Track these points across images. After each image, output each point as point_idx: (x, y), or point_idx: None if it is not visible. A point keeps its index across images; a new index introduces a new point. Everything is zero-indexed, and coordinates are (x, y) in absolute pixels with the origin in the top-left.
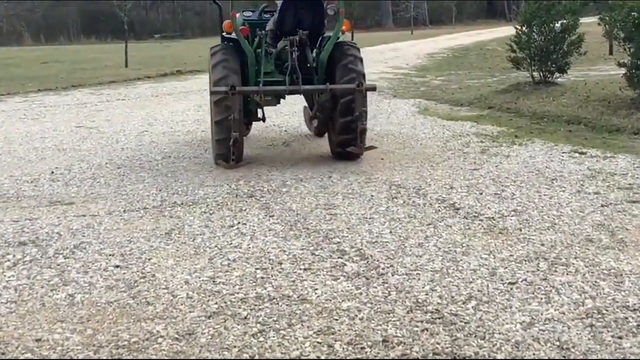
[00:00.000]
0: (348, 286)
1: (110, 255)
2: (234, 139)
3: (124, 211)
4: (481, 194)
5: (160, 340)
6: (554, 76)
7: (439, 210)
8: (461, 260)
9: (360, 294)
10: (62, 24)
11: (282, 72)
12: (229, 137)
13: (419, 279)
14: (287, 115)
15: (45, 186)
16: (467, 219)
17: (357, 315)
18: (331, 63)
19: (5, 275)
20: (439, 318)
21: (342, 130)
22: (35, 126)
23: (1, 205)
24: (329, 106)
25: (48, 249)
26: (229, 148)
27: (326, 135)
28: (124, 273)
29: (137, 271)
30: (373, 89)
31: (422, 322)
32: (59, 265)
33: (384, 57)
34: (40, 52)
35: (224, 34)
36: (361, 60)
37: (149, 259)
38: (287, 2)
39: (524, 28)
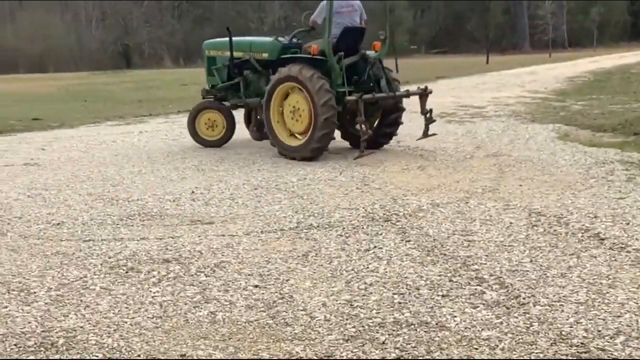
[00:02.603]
0: (488, 315)
1: (249, 275)
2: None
3: (262, 232)
4: (628, 224)
5: None
6: None
7: (582, 239)
8: (607, 292)
9: (501, 323)
10: (200, 47)
11: (350, 83)
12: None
13: (562, 311)
14: (423, 139)
15: (186, 205)
16: (613, 249)
17: (497, 345)
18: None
19: (151, 291)
20: (585, 352)
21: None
22: (176, 146)
23: (146, 222)
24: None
25: (190, 267)
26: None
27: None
28: (263, 293)
29: (276, 292)
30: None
31: (567, 355)
32: (200, 283)
33: (521, 80)
34: (180, 74)
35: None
36: None
37: (287, 280)
38: (346, 30)
39: None
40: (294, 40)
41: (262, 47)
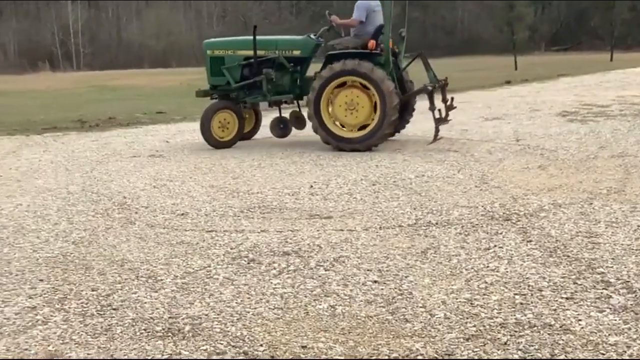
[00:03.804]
0: (615, 320)
1: (368, 270)
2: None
3: (380, 228)
4: None
5: (419, 358)
6: None
7: None
8: None
9: (629, 329)
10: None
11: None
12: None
13: None
14: (543, 137)
15: (305, 199)
16: None
17: (625, 352)
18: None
19: (272, 283)
20: None
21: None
22: (294, 140)
23: (266, 215)
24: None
25: (310, 260)
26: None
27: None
28: (382, 289)
29: (395, 288)
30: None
31: None
32: (320, 276)
33: None
34: None
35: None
36: None
37: (406, 277)
38: (379, 28)
39: None
40: (320, 38)
41: (293, 45)
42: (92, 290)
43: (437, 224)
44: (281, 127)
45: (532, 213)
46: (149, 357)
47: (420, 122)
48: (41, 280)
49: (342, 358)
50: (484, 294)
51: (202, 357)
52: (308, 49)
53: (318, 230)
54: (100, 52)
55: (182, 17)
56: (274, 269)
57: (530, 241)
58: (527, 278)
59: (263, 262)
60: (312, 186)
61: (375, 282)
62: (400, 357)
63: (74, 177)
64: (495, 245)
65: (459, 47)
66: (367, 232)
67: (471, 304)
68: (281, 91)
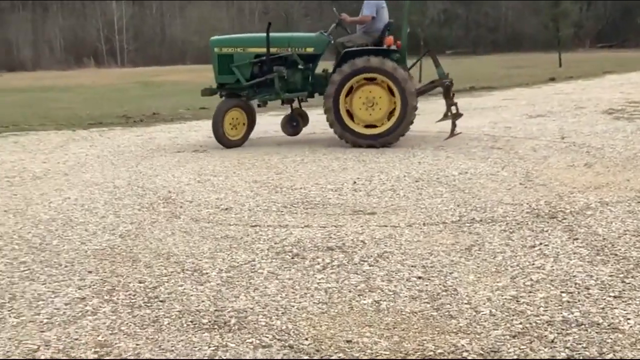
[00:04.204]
0: None
1: (412, 266)
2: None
3: (424, 224)
4: None
5: (465, 354)
6: None
7: None
8: None
9: None
10: None
11: None
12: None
13: None
14: (589, 135)
15: (348, 195)
16: None
17: None
18: None
19: (316, 278)
20: None
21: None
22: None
23: (309, 211)
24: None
25: (354, 256)
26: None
27: None
28: (426, 285)
29: (439, 284)
30: None
31: None
32: (364, 272)
33: None
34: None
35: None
36: None
37: (450, 273)
38: (387, 25)
39: None
40: (330, 35)
41: (307, 42)
42: (140, 283)
43: (481, 221)
44: (294, 125)
45: (579, 211)
46: (197, 349)
47: (465, 119)
48: (90, 271)
49: (387, 357)
50: (530, 292)
51: (248, 350)
52: (321, 46)
53: (362, 226)
54: (143, 48)
55: (225, 14)
56: (318, 264)
57: (577, 239)
58: (573, 276)
59: (307, 257)
60: (355, 182)
61: (420, 278)
62: (445, 353)
63: (119, 171)
64: (540, 243)
65: (503, 43)
66: (411, 229)
67: (517, 301)
68: (292, 89)
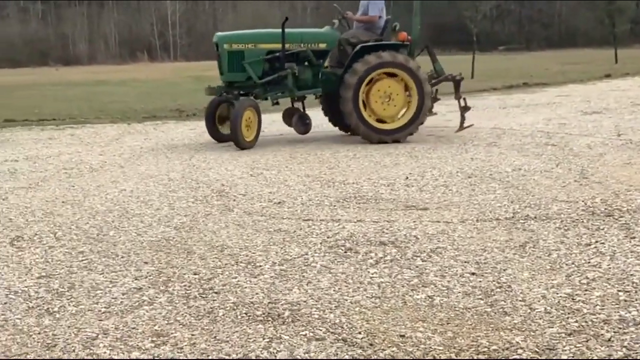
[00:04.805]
0: None
1: (465, 262)
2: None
3: (477, 220)
4: None
5: (520, 351)
6: None
7: None
8: None
9: None
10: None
11: None
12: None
13: None
14: None
15: (401, 190)
16: None
17: None
18: None
19: (369, 272)
20: None
21: None
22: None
23: (361, 205)
24: None
25: (406, 251)
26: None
27: None
28: (480, 281)
29: (493, 280)
30: None
31: None
32: (417, 267)
33: None
34: None
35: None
36: None
37: (504, 270)
38: (386, 22)
39: None
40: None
41: (319, 38)
42: (194, 274)
43: (535, 218)
44: (307, 123)
45: (636, 209)
46: (251, 340)
47: (518, 116)
48: (146, 262)
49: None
50: (586, 290)
51: (302, 342)
52: (333, 42)
53: (414, 221)
54: (196, 43)
55: (277, 10)
56: (371, 258)
57: (634, 237)
58: (631, 275)
59: (360, 252)
60: (407, 177)
61: (473, 274)
62: (500, 350)
63: (173, 164)
64: (596, 241)
65: (556, 40)
66: (464, 225)
67: (572, 299)
68: (303, 86)
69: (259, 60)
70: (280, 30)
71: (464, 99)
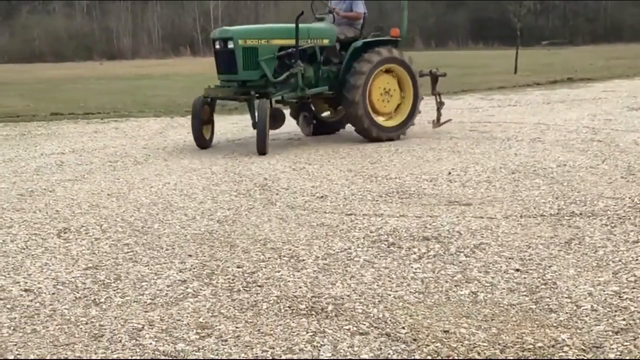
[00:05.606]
0: None
1: (509, 258)
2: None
3: (521, 216)
4: None
5: (566, 349)
6: None
7: None
8: None
9: None
10: (451, 30)
11: None
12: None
13: None
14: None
15: (444, 186)
16: None
17: None
18: None
19: (412, 267)
20: None
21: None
22: (430, 128)
23: (404, 200)
24: None
25: (450, 246)
26: None
27: None
28: (525, 277)
29: (538, 277)
30: None
31: None
32: (460, 262)
33: None
34: (432, 57)
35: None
36: None
37: (549, 266)
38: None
39: None
40: None
41: (323, 34)
42: (238, 267)
43: (581, 214)
44: (314, 123)
45: None
46: (295, 334)
47: (563, 111)
48: (190, 255)
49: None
50: (634, 288)
51: (345, 337)
52: (334, 38)
53: (457, 217)
54: None
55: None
56: (414, 253)
57: None
58: None
59: (403, 247)
60: (450, 173)
61: (518, 270)
62: (545, 347)
63: (216, 158)
64: None
65: (602, 34)
66: (508, 221)
67: (620, 297)
68: (308, 84)
69: (273, 57)
70: (293, 25)
71: (440, 94)
